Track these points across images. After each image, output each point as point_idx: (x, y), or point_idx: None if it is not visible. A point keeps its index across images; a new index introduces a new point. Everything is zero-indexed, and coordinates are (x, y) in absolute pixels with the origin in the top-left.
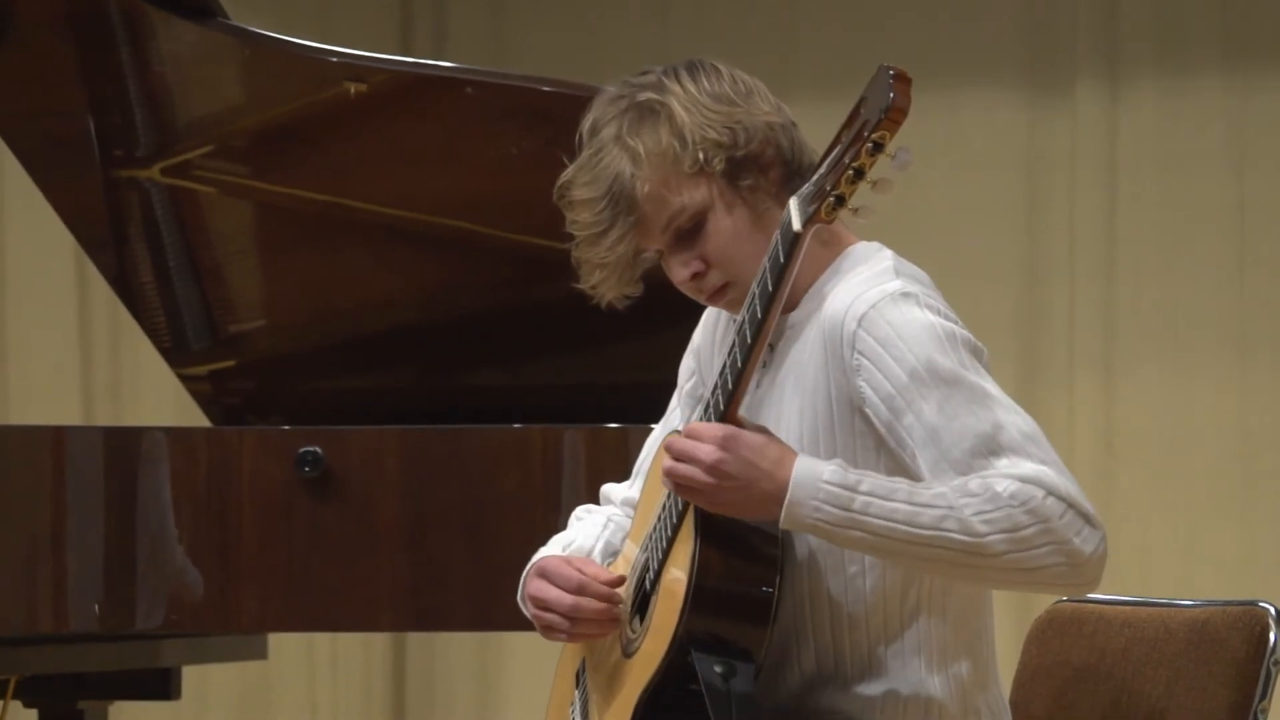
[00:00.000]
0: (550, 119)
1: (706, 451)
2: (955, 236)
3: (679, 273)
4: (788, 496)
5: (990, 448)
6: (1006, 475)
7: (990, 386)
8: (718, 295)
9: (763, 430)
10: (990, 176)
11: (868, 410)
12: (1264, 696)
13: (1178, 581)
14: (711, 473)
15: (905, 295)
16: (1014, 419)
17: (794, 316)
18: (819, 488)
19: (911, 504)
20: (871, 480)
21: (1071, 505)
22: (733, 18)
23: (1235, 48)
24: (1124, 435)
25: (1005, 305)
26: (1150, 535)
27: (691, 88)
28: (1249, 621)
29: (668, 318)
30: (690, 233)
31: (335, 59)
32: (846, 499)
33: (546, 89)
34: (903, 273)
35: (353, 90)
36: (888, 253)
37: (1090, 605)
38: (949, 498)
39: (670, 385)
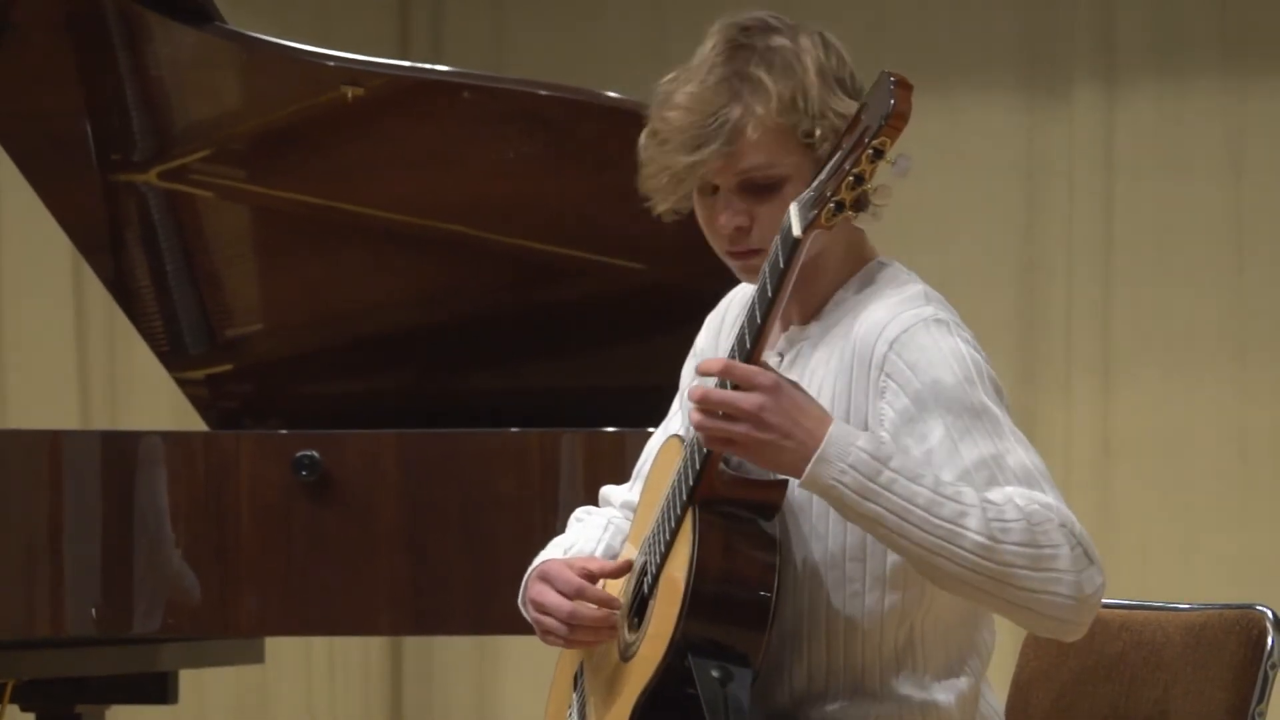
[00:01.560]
0: (547, 123)
1: (751, 401)
2: (953, 239)
3: (726, 219)
4: (818, 453)
5: (1004, 478)
6: (1025, 497)
7: (1009, 424)
8: (747, 255)
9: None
10: (988, 179)
11: (883, 433)
12: (1261, 699)
13: (1175, 584)
14: (752, 421)
15: (938, 322)
16: (1032, 456)
17: (812, 329)
18: (850, 450)
19: (935, 493)
20: (901, 460)
21: (1080, 543)
22: None
23: (1233, 50)
24: (1121, 437)
25: (1003, 307)
26: (1148, 538)
27: (823, 60)
28: (1246, 625)
29: (666, 322)
30: (760, 189)
31: (332, 63)
32: (874, 469)
33: (543, 93)
34: (933, 299)
35: (350, 94)
36: (914, 276)
37: None
38: (972, 496)
39: (667, 389)
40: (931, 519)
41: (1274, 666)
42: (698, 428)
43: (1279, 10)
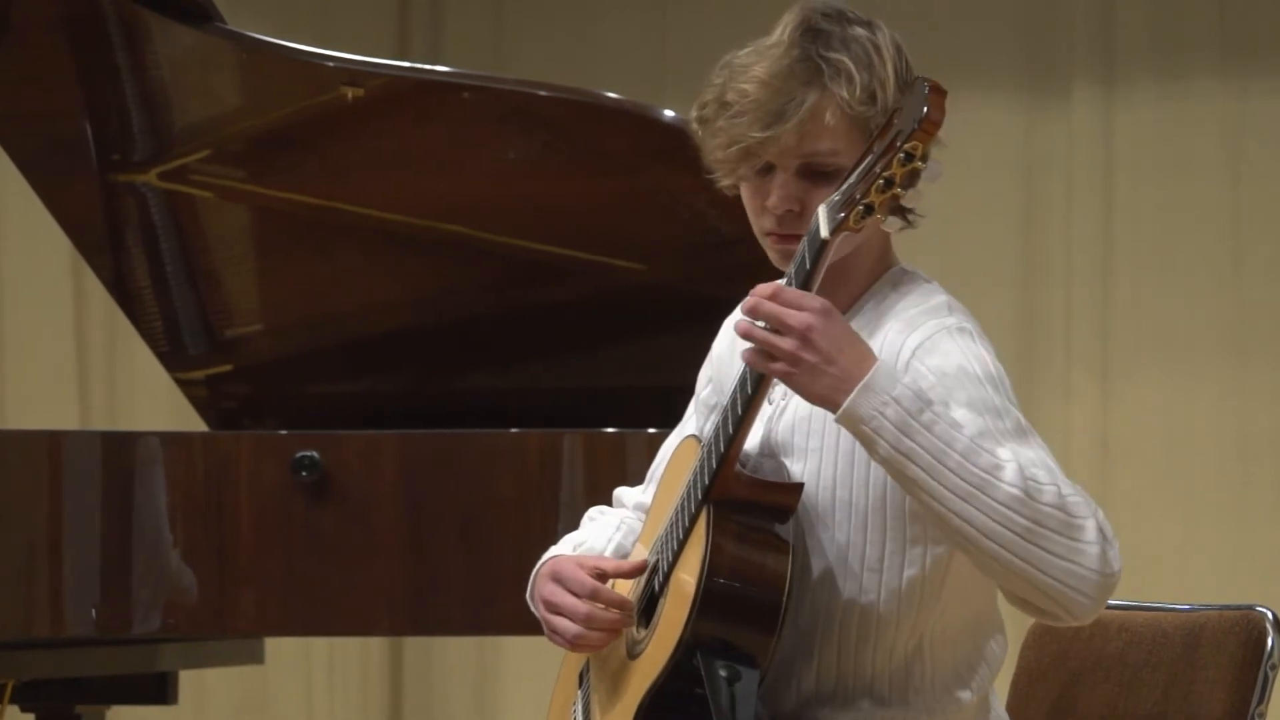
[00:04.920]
0: (547, 123)
1: (799, 319)
2: (952, 239)
3: (778, 200)
4: (864, 381)
5: (1028, 471)
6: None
7: (1028, 426)
8: (789, 240)
9: None
10: (987, 179)
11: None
12: (1261, 700)
13: (1174, 584)
14: (799, 338)
15: (961, 330)
16: (1050, 458)
17: None
18: (895, 385)
19: (973, 441)
20: (943, 407)
21: (1101, 526)
22: (731, 21)
23: (1232, 51)
24: (1120, 438)
25: (1002, 307)
26: (1147, 538)
27: (897, 60)
28: (1246, 625)
29: (665, 322)
30: (817, 175)
31: (332, 63)
32: (917, 407)
33: (543, 93)
34: (956, 310)
35: (349, 94)
36: (936, 285)
37: None
38: (1008, 453)
39: (667, 390)
40: (967, 464)
41: (1274, 667)
42: (744, 335)
43: (1279, 10)
